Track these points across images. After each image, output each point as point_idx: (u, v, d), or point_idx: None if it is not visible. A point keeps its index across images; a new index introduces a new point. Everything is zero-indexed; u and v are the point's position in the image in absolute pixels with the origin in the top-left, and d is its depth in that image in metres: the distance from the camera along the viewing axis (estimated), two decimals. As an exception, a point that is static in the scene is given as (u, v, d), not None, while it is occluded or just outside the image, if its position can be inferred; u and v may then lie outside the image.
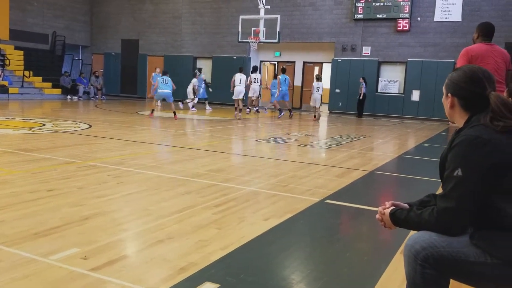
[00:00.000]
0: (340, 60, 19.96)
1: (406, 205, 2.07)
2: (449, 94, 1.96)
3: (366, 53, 19.58)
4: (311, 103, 15.87)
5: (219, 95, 21.44)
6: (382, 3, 18.99)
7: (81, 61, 25.35)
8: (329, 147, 8.80)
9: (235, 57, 22.02)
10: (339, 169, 6.42)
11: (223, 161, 6.70)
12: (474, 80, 1.89)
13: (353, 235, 3.87)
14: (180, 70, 23.35)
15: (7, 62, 20.55)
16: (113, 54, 25.35)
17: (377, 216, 2.05)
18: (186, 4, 23.21)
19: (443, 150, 1.94)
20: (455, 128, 2.02)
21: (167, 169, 5.82)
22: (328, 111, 20.39)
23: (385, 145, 10.12)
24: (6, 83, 19.62)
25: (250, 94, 16.88)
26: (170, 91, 13.63)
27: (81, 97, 21.41)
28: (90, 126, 10.22)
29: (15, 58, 21.03)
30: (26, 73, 20.70)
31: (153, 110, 13.80)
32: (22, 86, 20.21)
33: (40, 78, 21.44)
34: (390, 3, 18.85)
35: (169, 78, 13.81)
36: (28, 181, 4.79)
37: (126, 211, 4.02)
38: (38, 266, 2.67)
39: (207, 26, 22.73)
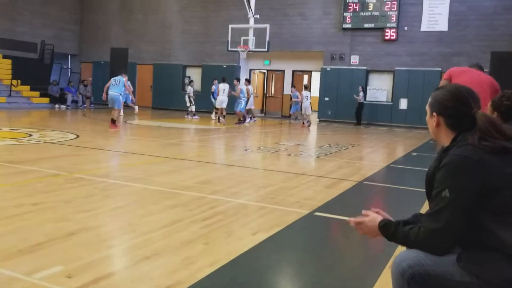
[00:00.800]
0: (329, 69, 20.10)
1: (388, 216, 2.04)
2: (434, 113, 1.95)
3: (354, 62, 19.74)
4: (303, 111, 16.14)
5: (209, 103, 21.41)
6: (369, 13, 19.19)
7: (69, 69, 25.20)
8: (318, 157, 8.82)
9: (224, 66, 22.06)
10: (328, 180, 6.42)
11: (211, 172, 6.67)
12: (460, 98, 1.89)
13: (342, 248, 3.86)
14: (169, 79, 23.34)
15: (-6, 71, 20.36)
16: (102, 62, 25.23)
17: (355, 223, 2.03)
18: (176, 13, 23.24)
19: (429, 166, 1.94)
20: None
21: (154, 181, 5.77)
22: (318, 119, 20.47)
23: (373, 154, 10.17)
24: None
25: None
26: (119, 94, 11.76)
27: (69, 106, 21.24)
28: (78, 136, 10.13)
29: (3, 67, 20.84)
30: (14, 82, 20.48)
31: (113, 120, 11.92)
32: (10, 95, 20.00)
33: (28, 87, 21.23)
34: (378, 13, 19.06)
35: (122, 79, 11.88)
36: (13, 194, 4.72)
37: (112, 226, 3.97)
38: (21, 285, 2.62)
39: (196, 35, 22.76)
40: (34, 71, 22.48)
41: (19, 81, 20.79)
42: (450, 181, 1.74)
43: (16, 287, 2.60)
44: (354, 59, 19.72)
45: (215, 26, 22.17)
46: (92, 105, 22.68)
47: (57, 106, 20.89)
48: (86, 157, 7.60)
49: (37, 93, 21.39)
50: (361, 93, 18.61)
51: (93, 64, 25.45)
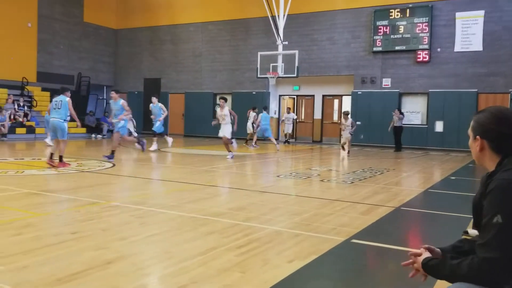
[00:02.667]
0: (360, 93, 19.97)
1: (438, 250, 1.97)
2: (477, 137, 1.89)
3: (386, 85, 19.56)
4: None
5: (239, 130, 21.57)
6: (400, 35, 19.09)
7: (105, 100, 26.05)
8: (352, 182, 8.66)
9: (254, 92, 22.28)
10: (364, 206, 6.28)
11: (244, 199, 6.64)
12: (503, 121, 1.83)
13: (381, 277, 3.72)
14: (200, 106, 23.73)
15: (34, 103, 21.26)
16: (136, 92, 25.98)
17: (409, 261, 1.97)
18: (205, 43, 23.81)
19: (476, 194, 1.87)
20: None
21: (189, 208, 5.79)
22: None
23: (410, 179, 9.92)
24: (33, 123, 20.22)
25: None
26: (63, 121, 9.18)
27: (105, 135, 21.85)
28: (114, 165, 10.35)
29: (42, 99, 21.74)
30: (53, 113, 21.28)
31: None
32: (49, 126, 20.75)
33: (65, 118, 21.98)
34: (409, 35, 18.94)
35: (65, 100, 9.27)
36: (52, 223, 4.82)
37: (149, 254, 3.98)
38: (60, 315, 2.63)
39: (226, 63, 23.18)
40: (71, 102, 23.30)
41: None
42: (501, 206, 1.66)
43: (56, 316, 2.61)
44: (386, 82, 19.55)
45: (244, 53, 22.54)
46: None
47: (93, 135, 21.53)
48: (122, 185, 7.73)
49: (74, 124, 22.07)
50: (395, 116, 17.20)
51: (127, 95, 26.22)
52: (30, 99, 21.29)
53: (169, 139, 15.45)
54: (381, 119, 19.31)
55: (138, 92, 25.96)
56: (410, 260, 1.99)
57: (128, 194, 6.69)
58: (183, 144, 19.24)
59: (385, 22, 19.36)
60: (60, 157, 9.22)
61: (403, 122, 17.43)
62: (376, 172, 10.27)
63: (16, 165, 10.16)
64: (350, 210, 5.96)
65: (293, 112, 21.44)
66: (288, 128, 19.96)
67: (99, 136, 21.57)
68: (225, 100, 13.02)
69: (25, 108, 20.49)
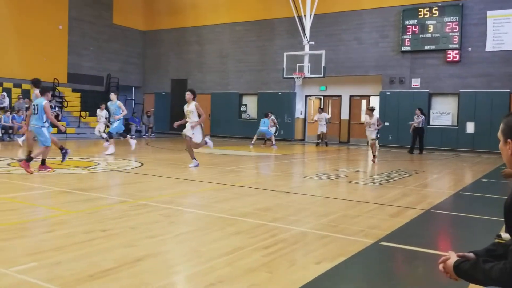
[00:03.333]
0: (389, 93, 19.68)
1: (472, 254, 1.93)
2: (508, 140, 1.83)
3: (415, 85, 19.21)
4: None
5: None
6: (430, 35, 18.71)
7: (133, 101, 26.49)
8: (380, 184, 8.53)
9: (280, 93, 22.25)
10: (393, 208, 6.17)
11: (271, 199, 6.63)
12: None
13: (411, 280, 3.65)
14: (227, 107, 23.87)
15: (65, 103, 21.82)
16: (163, 93, 26.33)
17: (440, 267, 1.93)
18: (231, 43, 23.92)
19: (507, 197, 1.81)
20: None
21: (216, 207, 5.82)
22: (378, 145, 19.93)
23: (440, 181, 9.71)
24: (64, 123, 20.73)
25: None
26: (40, 126, 8.50)
27: (133, 135, 22.14)
28: (142, 164, 10.51)
29: (73, 100, 22.29)
30: (83, 113, 21.85)
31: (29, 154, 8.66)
32: (79, 126, 21.28)
33: (95, 118, 22.45)
34: (439, 34, 18.54)
35: (42, 103, 8.49)
36: (83, 221, 4.93)
37: (177, 252, 4.02)
38: (92, 311, 2.69)
39: (252, 64, 23.23)
40: (100, 103, 23.80)
41: (87, 113, 22.12)
42: None
43: (88, 312, 2.67)
44: (415, 82, 19.20)
45: (270, 54, 22.54)
46: (154, 134, 23.57)
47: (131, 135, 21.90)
48: (150, 184, 7.84)
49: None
50: (419, 117, 16.30)
51: (155, 95, 26.61)
52: (61, 100, 21.86)
53: (132, 141, 13.87)
54: (410, 120, 18.94)
55: (165, 92, 26.30)
56: (440, 267, 1.95)
57: (156, 193, 6.78)
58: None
59: (414, 22, 19.01)
60: (43, 161, 8.58)
61: (426, 123, 16.71)
62: (405, 174, 10.09)
63: (48, 164, 10.42)
64: (379, 212, 5.87)
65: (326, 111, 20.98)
66: (321, 129, 19.30)
67: (128, 136, 21.91)
68: (193, 93, 10.22)
69: (56, 108, 21.04)
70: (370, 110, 12.97)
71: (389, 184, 8.46)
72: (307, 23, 18.68)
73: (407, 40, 19.13)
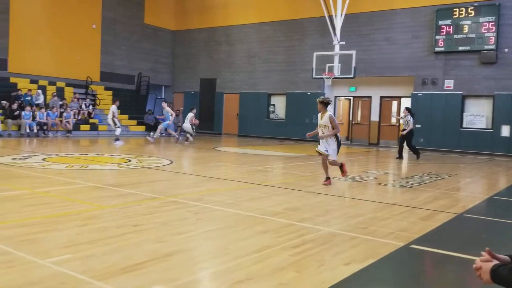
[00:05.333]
0: (420, 94, 19.29)
1: (507, 257, 1.87)
2: None
3: (448, 86, 18.75)
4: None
5: (293, 130, 21.58)
6: (464, 35, 18.23)
7: (163, 99, 26.86)
8: (411, 186, 8.37)
9: (309, 93, 22.13)
10: (424, 211, 6.05)
11: (299, 199, 6.61)
12: None
13: (442, 285, 3.57)
14: (255, 107, 23.92)
15: (97, 101, 22.35)
16: (192, 92, 26.61)
17: (475, 265, 1.89)
18: (260, 43, 23.95)
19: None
20: None
21: (244, 206, 5.85)
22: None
23: (473, 185, 9.45)
24: (96, 121, 21.25)
25: None
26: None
27: (163, 133, 22.51)
28: (171, 162, 10.66)
29: (105, 98, 22.80)
30: (114, 111, 22.29)
31: None
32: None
33: (126, 116, 22.97)
34: (474, 35, 18.05)
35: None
36: (115, 216, 5.04)
37: (206, 249, 4.06)
38: (124, 303, 2.75)
39: (280, 64, 23.19)
40: (131, 102, 24.32)
41: (119, 110, 22.53)
42: None
43: (120, 304, 2.73)
44: (448, 83, 18.74)
45: (299, 54, 22.45)
46: (183, 133, 23.83)
47: (152, 133, 22.24)
48: (179, 181, 7.95)
49: (134, 122, 23.04)
50: (405, 118, 14.26)
51: (184, 94, 26.92)
52: (94, 98, 22.40)
53: (152, 138, 15.26)
54: (443, 122, 18.56)
55: (195, 92, 26.57)
56: (476, 264, 1.90)
57: (185, 191, 6.86)
58: (237, 143, 19.48)
59: (448, 22, 18.56)
60: None
61: (412, 125, 14.14)
62: (436, 177, 9.87)
63: (81, 160, 10.72)
64: (409, 215, 5.77)
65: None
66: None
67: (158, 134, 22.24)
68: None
69: (89, 106, 21.58)
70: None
71: (420, 187, 8.29)
72: (338, 23, 18.51)
73: (441, 41, 18.70)
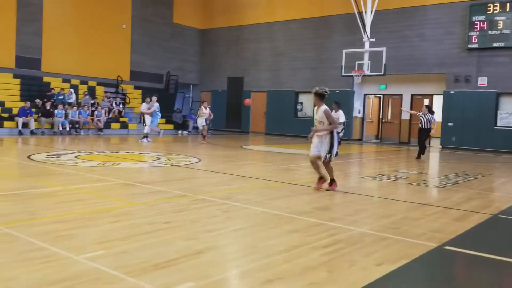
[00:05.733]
0: (453, 92, 18.80)
1: None
2: None
3: (482, 84, 18.21)
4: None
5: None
6: (499, 31, 17.66)
7: (191, 98, 27.15)
8: (444, 186, 8.17)
9: (337, 91, 21.89)
10: (457, 212, 5.90)
11: (328, 199, 6.55)
12: None
13: (476, 287, 3.47)
14: (282, 105, 23.85)
15: (127, 100, 22.74)
16: (220, 91, 26.75)
17: None
18: (287, 41, 23.84)
19: None
20: None
21: (272, 205, 5.83)
22: (440, 146, 19.15)
23: (508, 185, 9.15)
24: (126, 119, 21.63)
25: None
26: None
27: (190, 132, 22.77)
28: (200, 160, 10.74)
29: (134, 97, 23.19)
30: (144, 110, 22.65)
31: None
32: (140, 122, 22.09)
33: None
34: (509, 31, 17.45)
35: None
36: (146, 213, 5.11)
37: (236, 247, 4.07)
38: (156, 299, 2.78)
39: (308, 61, 23.03)
40: (160, 100, 24.55)
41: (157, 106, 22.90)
42: None
43: (152, 300, 2.76)
44: (482, 81, 18.19)
45: (328, 51, 22.24)
46: (210, 131, 24.00)
47: (180, 132, 22.52)
48: (208, 179, 8.00)
49: (163, 120, 23.30)
50: (423, 115, 13.38)
51: (211, 93, 27.09)
52: (124, 96, 22.81)
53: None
54: (476, 120, 18.04)
55: (222, 90, 26.70)
56: None
57: (214, 189, 6.90)
58: (264, 142, 19.47)
59: (482, 18, 18.02)
60: None
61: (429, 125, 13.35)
62: (470, 177, 9.60)
63: (112, 157, 10.93)
64: (442, 216, 5.63)
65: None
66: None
67: (185, 132, 22.52)
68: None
69: (120, 105, 21.99)
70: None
71: (452, 187, 8.08)
72: (368, 20, 18.25)
73: (474, 37, 18.17)
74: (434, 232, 4.74)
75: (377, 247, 4.17)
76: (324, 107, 7.10)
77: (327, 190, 7.02)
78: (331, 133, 6.98)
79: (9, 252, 3.56)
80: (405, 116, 20.88)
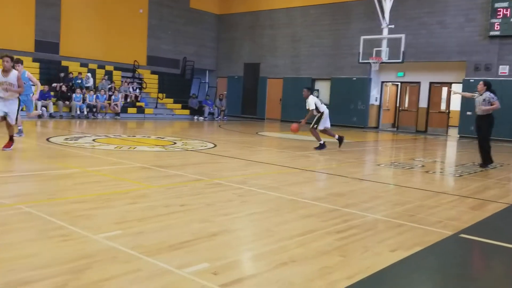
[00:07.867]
0: (473, 81, 18.45)
1: None
2: None
3: (503, 72, 17.82)
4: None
5: (337, 116, 21.26)
6: (523, 18, 17.21)
7: (207, 84, 27.17)
8: (461, 175, 8.09)
9: (354, 78, 21.69)
10: (474, 200, 5.84)
11: (343, 185, 6.54)
12: None
13: (491, 275, 3.45)
14: (298, 92, 23.71)
15: (144, 85, 22.89)
16: (236, 77, 26.71)
17: None
18: (305, 27, 23.60)
19: None
20: None
21: (288, 190, 5.86)
22: (458, 135, 18.88)
23: (527, 175, 9.00)
24: (143, 104, 21.80)
25: None
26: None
27: (206, 117, 22.85)
28: (215, 146, 10.81)
29: (151, 82, 23.31)
30: (160, 95, 22.82)
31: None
32: (156, 107, 22.26)
33: (171, 100, 23.43)
34: (533, 17, 17.00)
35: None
36: (163, 195, 5.18)
37: (250, 231, 4.12)
38: (173, 278, 2.84)
39: (325, 48, 22.80)
40: (176, 85, 24.74)
41: (164, 94, 23.07)
42: None
43: (169, 279, 2.83)
44: (503, 69, 17.80)
45: (345, 38, 21.97)
46: (226, 117, 24.07)
47: (195, 117, 22.62)
48: (223, 164, 8.05)
49: (179, 105, 23.47)
50: (479, 95, 9.25)
51: (227, 79, 27.07)
52: (140, 81, 22.95)
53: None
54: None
55: (238, 76, 26.66)
56: None
57: (230, 174, 6.95)
58: (279, 129, 19.45)
59: (505, 4, 17.55)
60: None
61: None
62: (488, 166, 9.47)
63: (129, 141, 11.06)
64: (458, 204, 5.59)
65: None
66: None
67: (201, 118, 22.60)
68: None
69: (136, 90, 22.14)
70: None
71: (470, 176, 8.00)
72: (387, 6, 17.94)
73: (497, 24, 17.74)
74: (450, 220, 4.72)
75: (392, 233, 4.17)
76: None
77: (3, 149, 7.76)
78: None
79: (29, 230, 3.66)
80: (423, 104, 20.60)
